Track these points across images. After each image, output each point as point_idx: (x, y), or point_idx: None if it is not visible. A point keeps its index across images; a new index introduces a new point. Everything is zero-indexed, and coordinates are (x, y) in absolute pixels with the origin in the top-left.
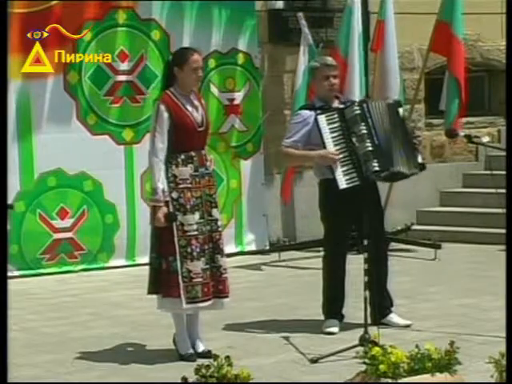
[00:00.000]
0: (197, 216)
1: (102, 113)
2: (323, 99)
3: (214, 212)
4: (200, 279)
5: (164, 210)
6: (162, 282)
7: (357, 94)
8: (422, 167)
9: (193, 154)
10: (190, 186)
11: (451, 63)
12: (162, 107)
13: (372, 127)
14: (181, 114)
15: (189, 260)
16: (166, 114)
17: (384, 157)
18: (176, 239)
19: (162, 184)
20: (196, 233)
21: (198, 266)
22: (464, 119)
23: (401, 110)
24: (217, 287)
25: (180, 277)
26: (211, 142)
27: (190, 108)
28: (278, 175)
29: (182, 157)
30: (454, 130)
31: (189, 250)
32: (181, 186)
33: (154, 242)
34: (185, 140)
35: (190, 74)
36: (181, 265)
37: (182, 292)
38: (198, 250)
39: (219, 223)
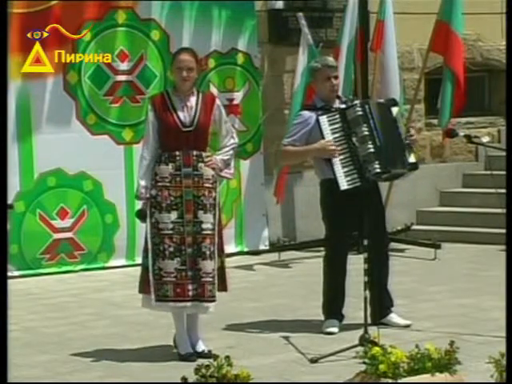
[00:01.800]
0: (173, 215)
1: (102, 113)
2: (324, 100)
3: (200, 214)
4: (172, 279)
5: (142, 207)
6: (141, 279)
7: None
8: (414, 167)
9: (177, 153)
10: (168, 184)
11: (448, 58)
12: (149, 106)
13: (374, 128)
14: (165, 113)
15: (160, 258)
16: (151, 113)
17: (385, 158)
18: (149, 236)
19: (145, 181)
20: (171, 232)
21: (171, 265)
22: (464, 119)
23: (394, 110)
24: (197, 290)
25: (151, 274)
26: (210, 142)
27: (178, 108)
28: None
29: (166, 155)
30: (453, 129)
31: (161, 248)
32: (159, 184)
33: None
34: (168, 139)
35: (175, 74)
36: (152, 262)
37: (151, 289)
38: (171, 249)
39: (204, 226)
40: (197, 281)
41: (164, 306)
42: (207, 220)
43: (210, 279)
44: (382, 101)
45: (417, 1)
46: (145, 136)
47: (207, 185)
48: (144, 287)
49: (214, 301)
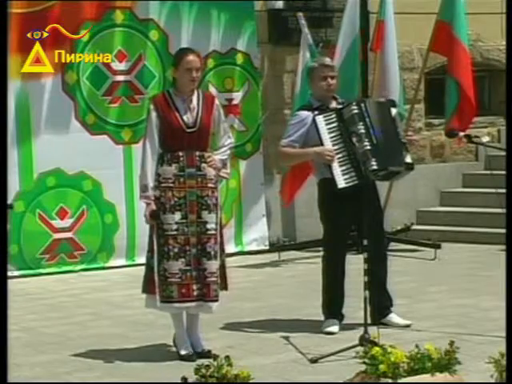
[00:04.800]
0: (177, 216)
1: (101, 113)
2: (320, 99)
3: (204, 214)
4: (177, 279)
5: (152, 207)
6: (144, 278)
7: None
8: (410, 167)
9: (180, 154)
10: (172, 185)
11: (451, 64)
12: (151, 106)
13: (370, 126)
14: (168, 113)
15: (165, 259)
16: (154, 113)
17: (382, 155)
18: (155, 237)
19: (152, 182)
20: (175, 233)
21: (175, 266)
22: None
23: (393, 110)
24: (202, 290)
25: (156, 275)
26: (211, 142)
27: (181, 108)
28: (278, 175)
29: (168, 156)
30: (453, 129)
31: (166, 249)
32: (163, 184)
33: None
34: (171, 140)
35: (184, 75)
36: (158, 263)
37: (157, 290)
38: (175, 250)
39: (209, 226)
40: (201, 281)
41: (169, 307)
42: (211, 220)
43: (215, 279)
44: (381, 100)
45: (417, 1)
46: (147, 136)
47: (210, 185)
48: (149, 287)
49: (217, 300)
